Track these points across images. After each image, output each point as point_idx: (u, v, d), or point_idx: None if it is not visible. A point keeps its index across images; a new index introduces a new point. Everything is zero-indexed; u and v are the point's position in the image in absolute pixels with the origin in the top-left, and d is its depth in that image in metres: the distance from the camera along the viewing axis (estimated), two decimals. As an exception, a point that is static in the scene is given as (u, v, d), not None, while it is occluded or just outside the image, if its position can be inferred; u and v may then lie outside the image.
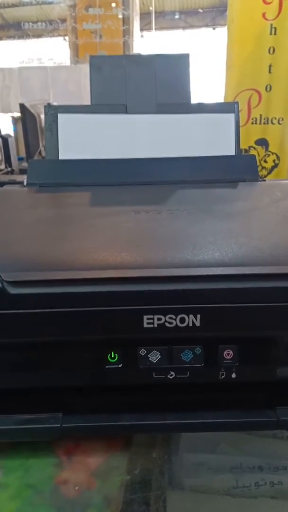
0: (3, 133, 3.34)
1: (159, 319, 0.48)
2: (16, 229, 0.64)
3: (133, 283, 0.49)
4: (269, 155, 2.52)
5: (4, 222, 0.68)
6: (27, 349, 0.52)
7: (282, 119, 2.46)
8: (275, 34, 2.35)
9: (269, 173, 2.54)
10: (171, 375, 0.52)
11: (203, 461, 0.56)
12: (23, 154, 3.22)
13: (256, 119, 2.47)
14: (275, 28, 2.34)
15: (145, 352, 0.51)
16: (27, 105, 2.94)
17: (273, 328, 0.51)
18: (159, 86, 0.95)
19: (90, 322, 0.49)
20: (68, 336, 0.50)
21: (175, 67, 0.97)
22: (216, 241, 0.57)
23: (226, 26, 2.50)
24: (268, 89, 2.42)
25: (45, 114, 0.92)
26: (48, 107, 0.93)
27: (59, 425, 0.52)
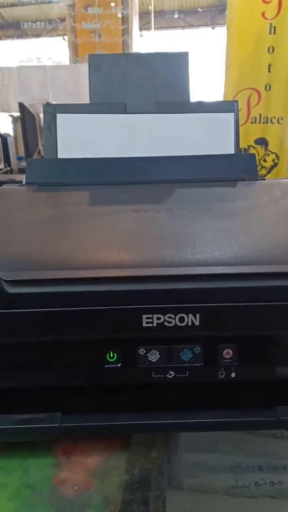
0: (2, 132, 3.34)
1: (158, 319, 0.48)
2: (14, 228, 0.64)
3: (132, 282, 0.48)
4: (268, 154, 2.52)
5: (2, 221, 0.68)
6: (26, 348, 0.52)
7: (282, 119, 2.47)
8: (274, 33, 2.35)
9: (268, 172, 2.55)
10: (171, 374, 0.52)
11: (202, 460, 0.56)
12: (22, 153, 3.22)
13: (255, 118, 2.47)
14: (275, 27, 2.34)
15: (144, 351, 0.51)
16: (26, 104, 2.94)
17: (273, 328, 0.51)
18: (158, 85, 0.95)
19: (89, 321, 0.49)
20: (67, 336, 0.50)
21: (174, 66, 0.96)
22: (215, 240, 0.57)
23: (226, 26, 2.50)
24: (267, 88, 2.42)
25: (44, 113, 0.92)
26: (47, 106, 0.93)
27: (57, 425, 0.52)
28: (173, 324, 0.48)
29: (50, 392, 0.55)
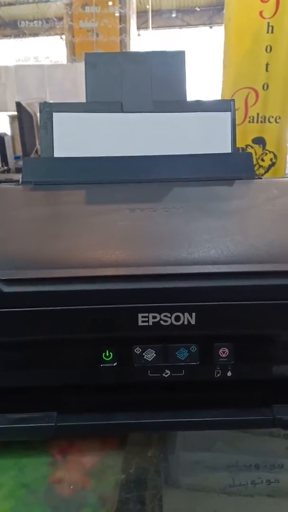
0: (-1, 131, 3.34)
1: (154, 317, 0.48)
2: (9, 228, 0.64)
3: (127, 281, 0.48)
4: (266, 153, 2.52)
5: None
6: (21, 347, 0.52)
7: (279, 118, 2.47)
8: (272, 32, 2.35)
9: (266, 171, 2.55)
10: (166, 373, 0.52)
11: (199, 459, 0.56)
12: (19, 152, 3.21)
13: (253, 117, 2.47)
14: (272, 26, 2.34)
15: (140, 350, 0.51)
16: (23, 103, 2.93)
17: (269, 326, 0.51)
18: (155, 84, 0.95)
19: (85, 320, 0.49)
20: (63, 335, 0.50)
21: (171, 64, 0.96)
22: (211, 239, 0.57)
23: (223, 25, 2.50)
24: (265, 87, 2.42)
25: (40, 112, 0.92)
26: (43, 105, 0.93)
27: (53, 424, 0.52)
28: (169, 323, 0.48)
29: (46, 391, 0.55)
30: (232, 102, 0.96)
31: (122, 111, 0.94)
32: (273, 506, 0.51)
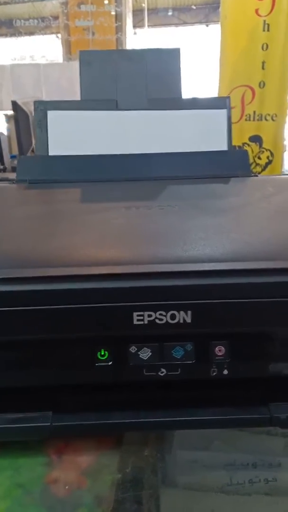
0: (-4, 130, 3.33)
1: (149, 316, 0.48)
2: (3, 226, 0.64)
3: (122, 280, 0.48)
4: (263, 151, 2.52)
5: None
6: (16, 347, 0.51)
7: (276, 116, 2.47)
8: (268, 30, 2.35)
9: (263, 169, 2.55)
10: (162, 372, 0.51)
11: (196, 458, 0.56)
12: (16, 151, 3.20)
13: (249, 115, 2.47)
14: (268, 24, 2.34)
15: (136, 349, 0.51)
16: (19, 102, 2.93)
17: (265, 324, 0.51)
18: (150, 81, 0.95)
19: (79, 319, 0.48)
20: (57, 334, 0.50)
21: (166, 62, 0.96)
22: (207, 237, 0.56)
23: (219, 23, 2.50)
24: (261, 85, 2.42)
25: (35, 110, 0.92)
26: (38, 103, 0.92)
27: (49, 424, 0.52)
28: (164, 321, 0.48)
29: (41, 391, 0.54)
30: (227, 100, 0.96)
31: (117, 109, 0.94)
32: (270, 504, 0.51)
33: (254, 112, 2.46)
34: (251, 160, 2.41)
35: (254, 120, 2.48)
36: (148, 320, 0.48)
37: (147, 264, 0.50)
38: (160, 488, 0.52)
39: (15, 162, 3.17)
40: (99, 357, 0.51)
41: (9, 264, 0.51)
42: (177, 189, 0.84)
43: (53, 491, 0.51)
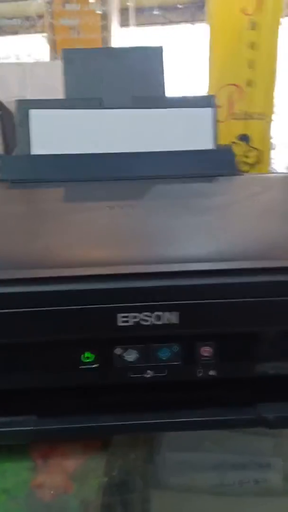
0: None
1: (134, 317, 0.47)
2: None
3: (106, 281, 0.47)
4: (251, 150, 2.53)
5: None
6: None
7: (264, 114, 2.48)
8: (254, 29, 2.36)
9: (251, 168, 2.56)
10: (148, 374, 0.51)
11: (186, 459, 0.56)
12: (1, 151, 3.19)
13: (237, 114, 2.48)
14: (255, 22, 2.35)
15: (121, 351, 0.50)
16: (4, 102, 2.91)
17: (252, 324, 0.50)
18: (134, 79, 0.95)
19: (63, 321, 0.48)
20: (41, 336, 0.49)
21: (149, 60, 0.96)
22: (192, 236, 0.56)
23: (206, 22, 2.51)
24: (249, 84, 2.43)
25: (17, 109, 0.91)
26: (19, 102, 0.91)
27: (32, 428, 0.51)
28: (149, 322, 0.47)
29: (25, 394, 0.54)
30: (212, 98, 0.96)
31: (102, 107, 0.93)
32: (261, 505, 0.51)
33: (242, 111, 2.47)
34: (239, 159, 2.42)
35: (242, 119, 2.49)
36: (133, 322, 0.47)
37: (131, 265, 0.49)
38: (149, 490, 0.51)
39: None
40: (84, 359, 0.50)
41: None
42: (162, 188, 0.84)
43: (38, 496, 0.51)
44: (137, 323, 0.47)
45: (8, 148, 2.90)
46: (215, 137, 0.94)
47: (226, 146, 1.02)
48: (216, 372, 0.52)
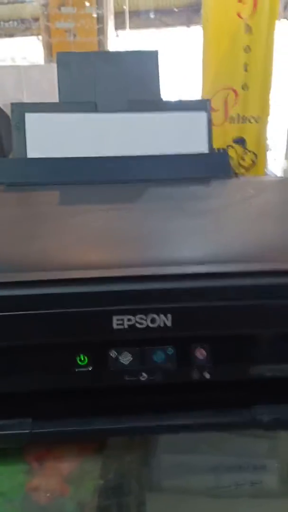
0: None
1: (129, 320, 0.47)
2: None
3: (102, 284, 0.47)
4: (246, 153, 2.53)
5: None
6: None
7: (259, 118, 2.48)
8: (250, 32, 2.36)
9: (247, 171, 2.56)
10: (143, 377, 0.51)
11: (182, 462, 0.56)
12: (-2, 154, 3.18)
13: (233, 118, 2.48)
14: (250, 26, 2.35)
15: (116, 354, 0.50)
16: (0, 105, 2.91)
17: (245, 326, 0.50)
18: (129, 83, 0.95)
19: (58, 324, 0.48)
20: (35, 339, 0.49)
21: (145, 64, 0.96)
22: (186, 240, 0.56)
23: (201, 25, 2.51)
24: (244, 88, 2.43)
25: (12, 112, 0.91)
26: (15, 105, 0.92)
27: (28, 431, 0.51)
28: (144, 325, 0.47)
29: (21, 397, 0.54)
30: (207, 102, 0.96)
31: (97, 111, 0.93)
32: (256, 507, 0.51)
33: (238, 114, 2.47)
34: (235, 163, 2.43)
35: (237, 122, 2.49)
36: (128, 325, 0.47)
37: (126, 268, 0.49)
38: (145, 492, 0.51)
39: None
40: (79, 362, 0.50)
41: None
42: (157, 191, 0.84)
43: (34, 499, 0.50)
44: (132, 326, 0.47)
45: (4, 151, 2.90)
46: (210, 141, 0.95)
47: (221, 149, 1.02)
48: (210, 374, 0.52)
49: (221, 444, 0.57)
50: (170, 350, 0.51)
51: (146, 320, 0.47)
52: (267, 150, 2.69)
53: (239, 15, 2.34)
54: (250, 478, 0.53)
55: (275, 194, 0.84)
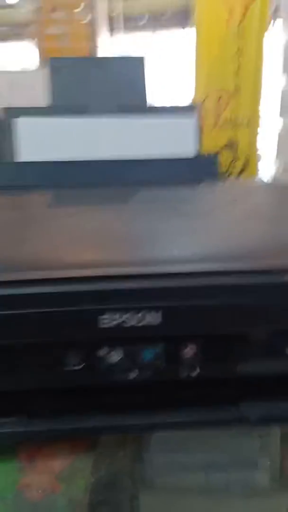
0: None
1: (116, 319, 0.48)
2: None
3: (89, 283, 0.48)
4: (238, 158, 2.53)
5: None
6: None
7: (250, 121, 2.48)
8: (241, 36, 2.37)
9: (239, 174, 2.56)
10: (132, 375, 0.51)
11: (174, 460, 0.56)
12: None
13: (224, 122, 2.48)
14: (241, 30, 2.36)
15: (105, 353, 0.50)
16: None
17: (233, 325, 0.51)
18: (119, 88, 0.96)
19: (46, 324, 0.48)
20: (24, 339, 0.49)
21: (131, 70, 0.97)
22: (173, 239, 0.57)
23: (194, 28, 2.51)
24: (235, 91, 2.43)
25: (3, 116, 0.91)
26: (6, 109, 0.92)
27: (22, 429, 0.52)
28: (132, 324, 0.48)
29: (14, 396, 0.54)
30: (195, 107, 0.97)
31: (87, 116, 0.94)
32: (248, 505, 0.51)
33: (229, 118, 2.48)
34: (226, 167, 2.43)
35: (229, 126, 2.49)
36: (116, 323, 0.48)
37: (113, 267, 0.50)
38: (137, 489, 0.52)
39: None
40: (68, 361, 0.51)
41: None
42: (145, 194, 0.84)
43: (26, 497, 0.51)
44: (119, 325, 0.48)
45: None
46: (198, 145, 0.95)
47: (209, 154, 1.03)
48: (199, 372, 0.52)
49: (213, 442, 0.58)
50: (159, 349, 0.51)
51: (133, 319, 0.48)
52: (258, 161, 2.69)
53: (230, 20, 2.35)
54: (241, 476, 0.53)
55: (258, 197, 0.85)
